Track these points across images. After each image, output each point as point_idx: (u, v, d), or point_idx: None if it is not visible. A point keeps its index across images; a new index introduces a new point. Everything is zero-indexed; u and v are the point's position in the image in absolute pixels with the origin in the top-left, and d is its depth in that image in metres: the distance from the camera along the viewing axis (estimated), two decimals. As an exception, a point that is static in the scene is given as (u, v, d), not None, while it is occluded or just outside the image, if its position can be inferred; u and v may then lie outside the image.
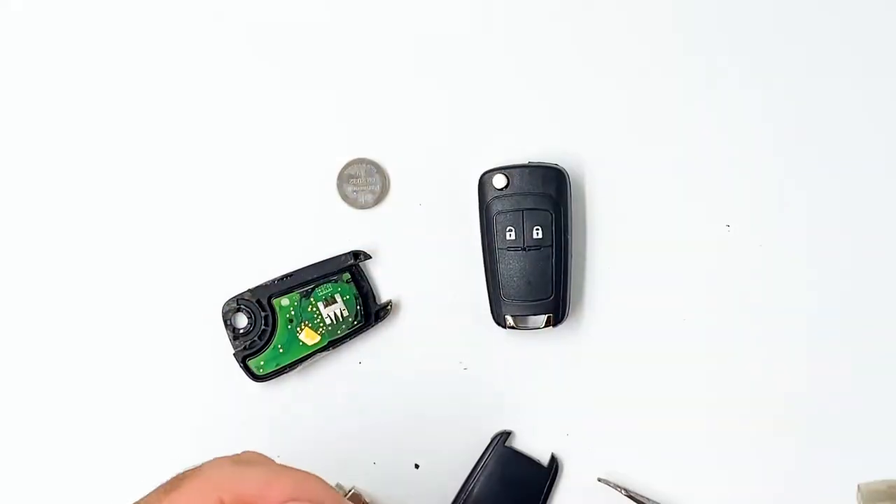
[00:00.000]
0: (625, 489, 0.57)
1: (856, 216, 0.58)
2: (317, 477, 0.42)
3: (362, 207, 0.59)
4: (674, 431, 0.58)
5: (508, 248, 0.57)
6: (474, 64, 0.59)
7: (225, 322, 0.58)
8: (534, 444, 0.59)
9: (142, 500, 0.42)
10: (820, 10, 0.58)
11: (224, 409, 0.59)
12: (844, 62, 0.58)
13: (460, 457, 0.58)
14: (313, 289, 0.58)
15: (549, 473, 0.58)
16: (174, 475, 0.42)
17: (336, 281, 0.58)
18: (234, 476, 0.41)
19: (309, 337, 0.58)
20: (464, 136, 0.59)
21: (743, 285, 0.58)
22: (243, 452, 0.45)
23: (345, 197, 0.59)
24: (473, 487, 0.58)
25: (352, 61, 0.59)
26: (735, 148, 0.58)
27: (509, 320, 0.57)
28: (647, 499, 0.57)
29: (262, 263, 0.59)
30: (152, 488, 0.42)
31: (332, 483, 0.57)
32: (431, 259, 0.59)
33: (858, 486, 0.56)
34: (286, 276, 0.58)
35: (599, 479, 0.58)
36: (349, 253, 0.58)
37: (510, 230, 0.56)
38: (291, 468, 0.43)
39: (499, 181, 0.57)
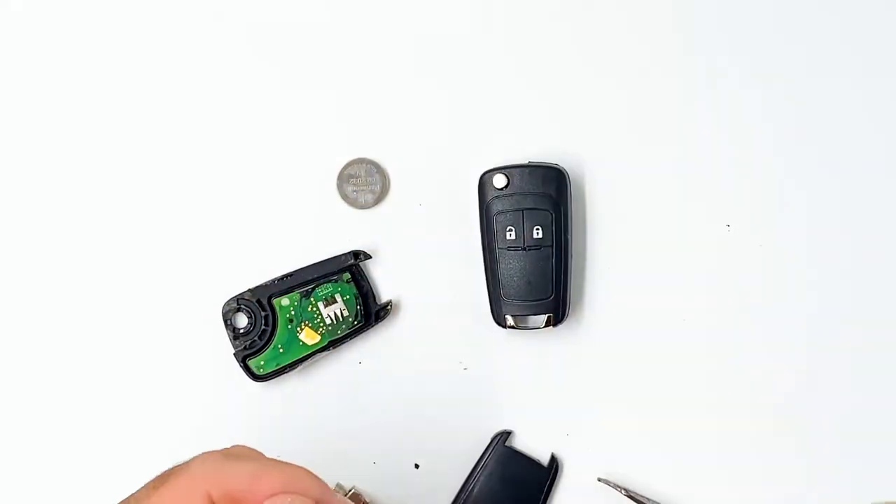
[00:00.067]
0: (625, 489, 0.57)
1: (856, 216, 0.58)
2: (306, 470, 0.42)
3: (362, 207, 0.59)
4: (674, 431, 0.58)
5: (508, 248, 0.57)
6: (474, 64, 0.59)
7: (225, 322, 0.58)
8: (534, 444, 0.59)
9: (130, 496, 0.42)
10: (820, 10, 0.58)
11: (224, 409, 0.59)
12: (844, 62, 0.58)
13: (460, 457, 0.58)
14: (313, 289, 0.58)
15: (549, 473, 0.58)
16: (162, 471, 0.42)
17: (336, 281, 0.58)
18: (222, 470, 0.41)
19: (309, 337, 0.58)
20: (464, 136, 0.59)
21: (743, 285, 0.58)
22: (233, 447, 0.45)
23: (345, 197, 0.59)
24: (473, 487, 0.58)
25: (352, 61, 0.59)
26: (735, 148, 0.58)
27: (509, 320, 0.57)
28: (647, 499, 0.57)
29: (262, 263, 0.59)
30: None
31: (332, 483, 0.57)
32: (431, 259, 0.59)
33: None
34: (286, 276, 0.58)
35: (599, 479, 0.58)
36: (349, 253, 0.58)
37: (510, 230, 0.56)
38: (280, 462, 0.42)
39: (499, 181, 0.57)
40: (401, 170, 0.59)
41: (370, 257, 0.59)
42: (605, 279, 0.59)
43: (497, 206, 0.57)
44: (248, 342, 0.58)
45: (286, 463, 0.42)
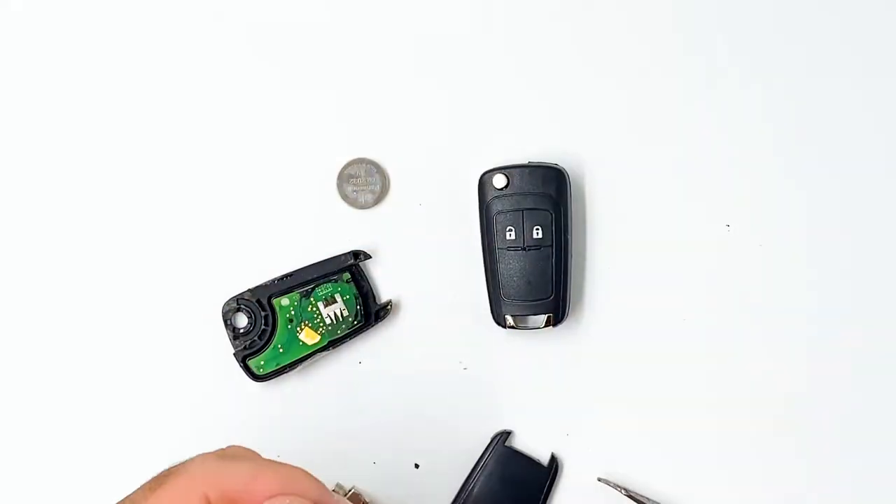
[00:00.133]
0: (625, 489, 0.57)
1: (856, 216, 0.58)
2: (303, 470, 0.42)
3: (362, 207, 0.59)
4: (674, 431, 0.58)
5: (508, 248, 0.57)
6: (474, 64, 0.59)
7: (225, 322, 0.58)
8: (534, 444, 0.59)
9: (126, 498, 0.42)
10: (820, 10, 0.58)
11: (224, 409, 0.59)
12: (844, 62, 0.58)
13: (460, 457, 0.58)
14: (313, 289, 0.58)
15: (549, 473, 0.58)
16: (159, 472, 0.42)
17: (336, 281, 0.58)
18: (219, 472, 0.41)
19: (309, 337, 0.58)
20: (464, 136, 0.59)
21: (743, 285, 0.58)
22: (228, 447, 0.44)
23: (345, 197, 0.59)
24: (473, 487, 0.58)
25: (352, 61, 0.59)
26: (735, 148, 0.58)
27: (509, 320, 0.57)
28: (647, 499, 0.57)
29: (262, 263, 0.59)
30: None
31: (332, 483, 0.57)
32: (431, 259, 0.59)
33: None
34: (286, 275, 0.58)
35: (599, 479, 0.58)
36: (349, 253, 0.58)
37: (510, 230, 0.56)
38: (277, 462, 0.42)
39: (499, 181, 0.57)
40: (401, 170, 0.59)
41: (370, 257, 0.59)
42: (605, 279, 0.59)
43: (497, 206, 0.57)
44: (248, 342, 0.58)
45: (283, 463, 0.42)
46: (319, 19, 0.60)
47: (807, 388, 0.58)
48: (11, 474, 0.59)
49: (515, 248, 0.56)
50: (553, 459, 0.58)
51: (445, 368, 0.59)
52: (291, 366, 0.58)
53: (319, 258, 0.58)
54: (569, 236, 0.57)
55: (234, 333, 0.58)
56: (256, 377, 0.58)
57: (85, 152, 0.60)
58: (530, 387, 0.59)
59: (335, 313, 0.58)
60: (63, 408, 0.59)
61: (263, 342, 0.58)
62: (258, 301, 0.58)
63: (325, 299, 0.58)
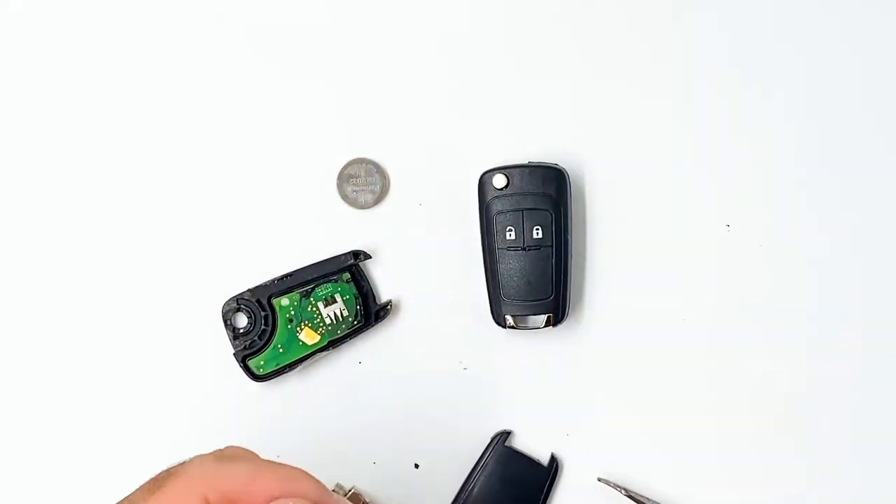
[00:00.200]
0: (625, 489, 0.57)
1: (856, 216, 0.58)
2: (301, 471, 0.42)
3: (362, 207, 0.59)
4: (673, 431, 0.58)
5: (508, 248, 0.57)
6: (474, 64, 0.59)
7: (225, 322, 0.58)
8: (534, 444, 0.59)
9: (125, 499, 0.42)
10: (819, 10, 0.58)
11: (224, 409, 0.59)
12: (844, 62, 0.58)
13: (460, 457, 0.58)
14: (313, 289, 0.58)
15: (549, 473, 0.58)
16: (157, 474, 0.42)
17: (336, 281, 0.58)
18: (217, 473, 0.41)
19: (309, 337, 0.58)
20: (464, 136, 0.59)
21: (743, 285, 0.58)
22: (227, 448, 0.44)
23: (345, 197, 0.59)
24: (473, 487, 0.58)
25: (352, 61, 0.59)
26: (735, 148, 0.58)
27: (509, 320, 0.57)
28: (647, 499, 0.57)
29: (262, 263, 0.59)
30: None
31: (332, 483, 0.57)
32: (431, 259, 0.59)
33: None
34: (286, 275, 0.58)
35: (599, 479, 0.58)
36: (349, 253, 0.58)
37: (510, 230, 0.56)
38: (276, 463, 0.42)
39: (499, 181, 0.57)
40: (401, 170, 0.59)
41: (370, 257, 0.59)
42: (605, 279, 0.59)
43: (497, 206, 0.57)
44: (248, 342, 0.58)
45: (282, 464, 0.42)
46: (319, 19, 0.60)
47: (807, 388, 0.58)
48: (12, 474, 0.59)
49: (515, 248, 0.56)
50: (553, 459, 0.58)
51: (445, 368, 0.59)
52: (291, 366, 0.58)
53: (319, 258, 0.58)
54: (569, 236, 0.57)
55: (234, 333, 0.58)
56: (256, 377, 0.58)
57: (85, 152, 0.60)
58: (530, 387, 0.59)
59: (335, 313, 0.58)
60: (63, 408, 0.59)
61: (263, 342, 0.58)
62: (258, 301, 0.58)
63: (325, 299, 0.58)
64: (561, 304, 0.57)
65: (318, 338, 0.58)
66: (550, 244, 0.56)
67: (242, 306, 0.58)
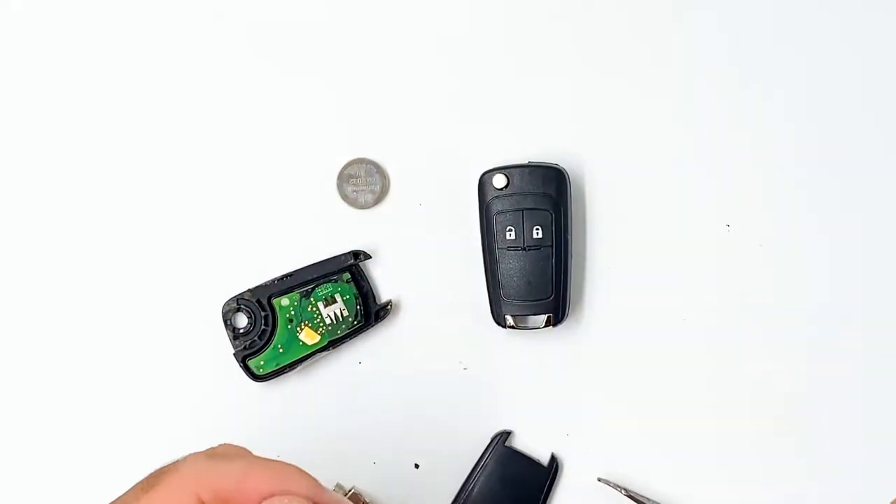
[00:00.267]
0: (625, 489, 0.57)
1: (856, 216, 0.58)
2: (294, 467, 0.42)
3: (362, 207, 0.59)
4: (673, 431, 0.58)
5: (508, 248, 0.57)
6: (474, 64, 0.59)
7: (225, 322, 0.58)
8: (534, 444, 0.59)
9: (118, 499, 0.41)
10: (819, 10, 0.58)
11: (224, 409, 0.59)
12: (844, 62, 0.58)
13: (460, 457, 0.58)
14: (313, 289, 0.58)
15: (549, 473, 0.58)
16: (150, 473, 0.42)
17: (336, 281, 0.58)
18: (211, 471, 0.41)
19: (309, 337, 0.58)
20: (464, 136, 0.59)
21: (743, 285, 0.58)
22: (220, 445, 0.44)
23: (345, 197, 0.59)
24: (473, 487, 0.58)
25: (352, 61, 0.59)
26: (735, 148, 0.58)
27: (509, 320, 0.57)
28: (647, 499, 0.57)
29: (262, 263, 0.59)
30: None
31: (332, 483, 0.57)
32: (431, 259, 0.59)
33: None
34: (286, 276, 0.58)
35: (599, 479, 0.58)
36: (349, 253, 0.58)
37: (510, 230, 0.56)
38: (269, 460, 0.42)
39: (499, 181, 0.57)
40: (401, 170, 0.59)
41: (370, 257, 0.59)
42: (605, 279, 0.59)
43: (497, 206, 0.57)
44: (248, 342, 0.58)
45: (275, 461, 0.42)
46: (319, 19, 0.60)
47: (807, 388, 0.58)
48: (12, 474, 0.59)
49: (515, 248, 0.56)
50: (553, 459, 0.58)
51: (445, 368, 0.59)
52: (291, 366, 0.58)
53: (319, 258, 0.58)
54: (569, 236, 0.57)
55: (234, 333, 0.58)
56: (256, 377, 0.58)
57: (85, 152, 0.60)
58: (530, 387, 0.59)
59: (335, 313, 0.58)
60: (63, 408, 0.59)
61: (263, 342, 0.58)
62: (258, 301, 0.58)
63: (325, 299, 0.58)
64: (561, 304, 0.57)
65: (318, 338, 0.58)
66: (550, 244, 0.56)
67: (242, 306, 0.58)
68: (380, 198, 0.59)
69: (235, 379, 0.58)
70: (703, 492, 0.58)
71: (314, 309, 0.58)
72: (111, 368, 0.59)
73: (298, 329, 0.58)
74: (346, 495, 0.57)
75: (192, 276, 0.59)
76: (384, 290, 0.59)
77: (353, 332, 0.58)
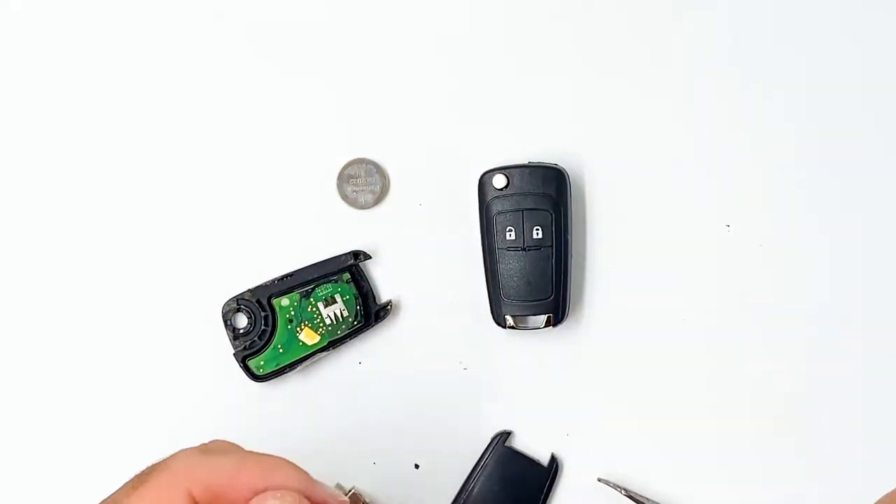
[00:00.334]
0: (625, 489, 0.57)
1: (856, 216, 0.58)
2: (285, 460, 0.42)
3: (362, 207, 0.59)
4: (673, 431, 0.58)
5: (508, 248, 0.57)
6: (474, 64, 0.59)
7: (225, 322, 0.58)
8: (534, 444, 0.59)
9: (110, 497, 0.42)
10: (819, 10, 0.58)
11: (224, 409, 0.59)
12: (844, 62, 0.58)
13: (460, 457, 0.58)
14: (313, 289, 0.58)
15: (549, 473, 0.58)
16: (142, 470, 0.42)
17: (336, 281, 0.58)
18: (201, 467, 0.41)
19: (309, 337, 0.58)
20: (464, 136, 0.59)
21: (743, 285, 0.58)
22: (212, 441, 0.44)
23: (345, 197, 0.59)
24: (473, 487, 0.58)
25: (352, 61, 0.59)
26: (735, 148, 0.58)
27: (509, 320, 0.57)
28: (647, 499, 0.57)
29: (262, 263, 0.59)
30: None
31: (332, 483, 0.57)
32: (431, 259, 0.59)
33: None
34: (286, 276, 0.58)
35: (599, 479, 0.58)
36: (349, 253, 0.58)
37: (510, 230, 0.56)
38: (260, 454, 0.42)
39: (499, 181, 0.57)
40: (401, 170, 0.59)
41: (370, 257, 0.59)
42: (605, 279, 0.59)
43: (497, 207, 0.57)
44: (248, 342, 0.58)
45: (265, 455, 0.42)
46: (319, 19, 0.60)
47: (807, 388, 0.58)
48: (11, 474, 0.59)
49: (515, 249, 0.56)
50: (553, 459, 0.58)
51: (445, 368, 0.59)
52: (291, 366, 0.58)
53: (319, 258, 0.58)
54: (569, 236, 0.57)
55: (234, 333, 0.58)
56: (256, 377, 0.58)
57: (85, 152, 0.60)
58: (530, 387, 0.59)
59: (335, 313, 0.58)
60: (63, 408, 0.59)
61: (263, 342, 0.58)
62: (258, 301, 0.58)
63: (325, 299, 0.58)
64: (561, 304, 0.57)
65: (318, 338, 0.58)
66: (550, 244, 0.56)
67: (242, 306, 0.58)
68: (380, 198, 0.59)
69: (235, 379, 0.58)
70: (703, 492, 0.58)
71: (314, 309, 0.58)
72: (111, 368, 0.59)
73: (298, 329, 0.58)
74: (346, 495, 0.57)
75: (192, 277, 0.59)
76: (384, 290, 0.59)
77: (353, 333, 0.58)
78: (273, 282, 0.58)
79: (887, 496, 0.43)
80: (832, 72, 0.58)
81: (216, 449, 0.43)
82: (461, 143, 0.59)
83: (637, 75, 0.59)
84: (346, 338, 0.58)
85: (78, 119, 0.60)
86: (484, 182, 0.57)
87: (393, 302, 0.59)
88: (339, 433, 0.59)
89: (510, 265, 0.57)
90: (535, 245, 0.56)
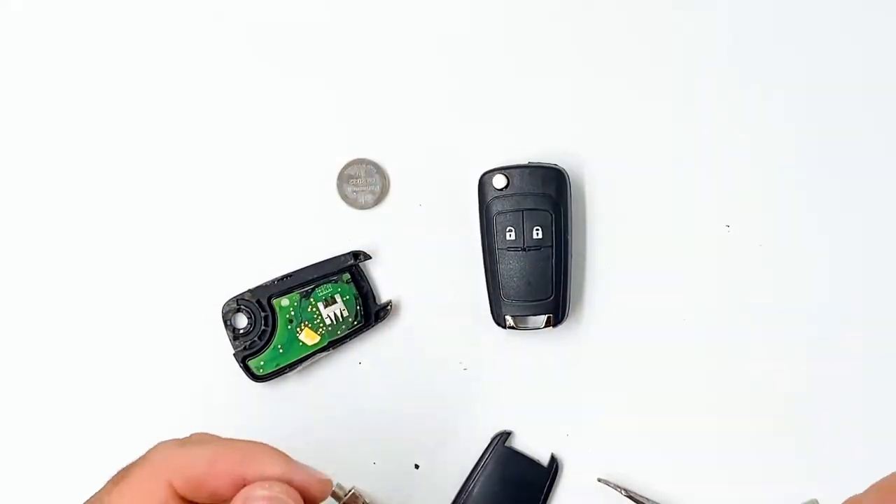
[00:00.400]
0: (625, 489, 0.57)
1: (856, 216, 0.58)
2: (264, 445, 0.42)
3: (362, 207, 0.59)
4: (673, 431, 0.58)
5: (508, 249, 0.57)
6: (474, 64, 0.59)
7: (225, 322, 0.58)
8: (534, 444, 0.59)
9: (93, 496, 0.42)
10: (819, 10, 0.58)
11: (224, 409, 0.59)
12: (844, 62, 0.58)
13: (460, 457, 0.58)
14: (313, 289, 0.58)
15: (549, 473, 0.58)
16: (122, 468, 0.42)
17: (336, 281, 0.58)
18: (180, 458, 0.41)
19: (309, 337, 0.58)
20: (464, 136, 0.59)
21: (743, 285, 0.58)
22: (192, 434, 0.45)
23: (345, 197, 0.59)
24: (473, 487, 0.58)
25: (352, 61, 0.59)
26: (735, 148, 0.58)
27: (509, 320, 0.57)
28: (647, 499, 0.57)
29: (262, 263, 0.59)
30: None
31: (332, 483, 0.57)
32: (431, 259, 0.59)
33: None
34: (286, 276, 0.58)
35: (599, 479, 0.58)
36: (349, 253, 0.58)
37: (510, 230, 0.56)
38: (238, 440, 0.42)
39: (499, 181, 0.57)
40: (401, 170, 0.59)
41: (370, 258, 0.59)
42: (605, 279, 0.59)
43: (497, 207, 0.57)
44: (248, 342, 0.58)
45: (244, 440, 0.42)
46: (319, 19, 0.59)
47: (807, 388, 0.58)
48: (11, 474, 0.59)
49: (515, 249, 0.56)
50: (553, 459, 0.58)
51: (445, 368, 0.59)
52: (291, 366, 0.58)
53: (319, 258, 0.58)
54: (569, 236, 0.57)
55: (234, 334, 0.58)
56: (256, 378, 0.58)
57: (85, 152, 0.60)
58: (530, 387, 0.59)
59: (335, 314, 0.58)
60: (63, 408, 0.59)
61: (263, 343, 0.58)
62: (258, 301, 0.58)
63: (325, 300, 0.58)
64: (561, 304, 0.57)
65: (318, 338, 0.58)
66: (550, 244, 0.56)
67: (242, 307, 0.58)
68: (380, 198, 0.59)
69: (235, 379, 0.58)
70: (703, 492, 0.58)
71: (314, 309, 0.58)
72: (111, 368, 0.59)
73: (298, 329, 0.58)
74: (346, 495, 0.57)
75: (192, 277, 0.59)
76: (384, 290, 0.59)
77: (353, 333, 0.58)
78: (273, 282, 0.58)
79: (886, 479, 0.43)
80: (832, 72, 0.58)
81: (195, 440, 0.43)
82: (461, 143, 0.59)
83: (637, 75, 0.59)
84: (346, 338, 0.58)
85: (78, 119, 0.60)
86: (484, 182, 0.57)
87: (393, 302, 0.59)
88: (339, 433, 0.59)
89: (510, 265, 0.57)
90: (535, 245, 0.56)
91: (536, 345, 0.59)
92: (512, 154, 0.58)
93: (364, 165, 0.59)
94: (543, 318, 0.57)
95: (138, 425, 0.59)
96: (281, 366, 0.58)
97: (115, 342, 0.59)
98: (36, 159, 0.60)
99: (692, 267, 0.58)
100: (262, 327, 0.58)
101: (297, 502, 0.41)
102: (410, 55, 0.59)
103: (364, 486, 0.58)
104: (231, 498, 0.41)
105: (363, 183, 0.59)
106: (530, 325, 0.57)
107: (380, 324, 0.59)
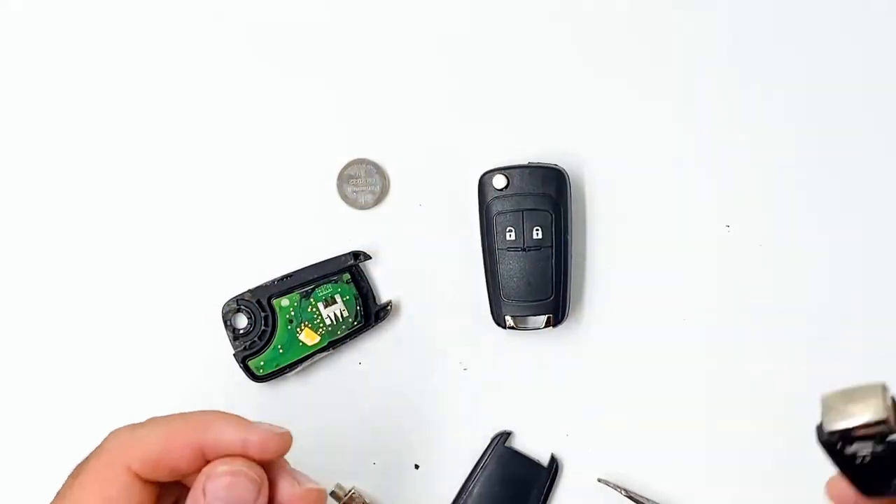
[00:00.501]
0: (625, 489, 0.57)
1: (856, 216, 0.58)
2: (216, 412, 0.42)
3: (362, 208, 0.59)
4: (674, 431, 0.58)
5: (508, 249, 0.57)
6: (474, 64, 0.59)
7: (225, 322, 0.58)
8: (534, 444, 0.59)
9: (57, 494, 0.42)
10: (819, 10, 0.58)
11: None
12: (844, 62, 0.58)
13: (460, 457, 0.58)
14: (313, 289, 0.58)
15: (549, 473, 0.58)
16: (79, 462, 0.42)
17: (336, 281, 0.58)
18: (134, 441, 0.41)
19: (309, 337, 0.58)
20: (464, 136, 0.59)
21: (743, 285, 0.58)
22: (147, 419, 0.45)
23: (345, 197, 0.59)
24: (473, 487, 0.58)
25: (352, 61, 0.59)
26: (735, 148, 0.58)
27: (509, 320, 0.57)
28: (647, 499, 0.57)
29: (262, 263, 0.59)
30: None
31: (332, 483, 0.57)
32: (431, 259, 0.59)
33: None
34: (286, 276, 0.58)
35: (599, 480, 0.58)
36: (349, 253, 0.58)
37: (510, 230, 0.56)
38: (190, 413, 0.42)
39: (499, 181, 0.57)
40: (401, 170, 0.59)
41: (370, 258, 0.59)
42: (605, 279, 0.59)
43: (497, 207, 0.57)
44: (248, 343, 0.58)
45: (195, 412, 0.42)
46: (319, 19, 0.59)
47: (807, 388, 0.58)
48: (11, 474, 0.59)
49: (515, 249, 0.56)
50: (553, 459, 0.58)
51: (445, 368, 0.59)
52: (291, 366, 0.58)
53: (319, 259, 0.58)
54: (569, 236, 0.57)
55: (234, 334, 0.58)
56: (256, 378, 0.58)
57: (85, 153, 0.60)
58: (530, 387, 0.59)
59: (335, 314, 0.58)
60: (63, 408, 0.59)
61: (263, 343, 0.58)
62: (258, 302, 0.58)
63: (325, 300, 0.58)
64: (561, 304, 0.57)
65: (318, 338, 0.58)
66: (550, 244, 0.56)
67: (242, 307, 0.58)
68: (380, 198, 0.59)
69: (235, 379, 0.58)
70: (703, 492, 0.58)
71: (314, 309, 0.58)
72: (111, 368, 0.59)
73: (298, 330, 0.58)
74: (346, 495, 0.57)
75: (192, 277, 0.59)
76: (384, 290, 0.59)
77: (353, 333, 0.58)
78: (273, 282, 0.58)
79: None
80: (832, 72, 0.58)
81: (148, 422, 0.43)
82: (461, 143, 0.59)
83: (637, 75, 0.59)
84: (346, 338, 0.58)
85: (78, 119, 0.60)
86: (484, 182, 0.57)
87: (393, 302, 0.59)
88: (339, 433, 0.59)
89: (510, 265, 0.57)
90: (535, 245, 0.56)
91: (536, 345, 0.59)
92: (512, 154, 0.58)
93: (364, 165, 0.59)
94: (543, 318, 0.57)
95: (138, 425, 0.59)
96: (281, 366, 0.58)
97: (116, 342, 0.59)
98: (36, 159, 0.60)
99: (692, 267, 0.58)
100: (262, 327, 0.58)
101: (258, 472, 0.41)
102: (410, 55, 0.59)
103: (364, 486, 0.58)
104: (194, 471, 0.41)
105: (363, 183, 0.59)
106: (530, 326, 0.57)
107: (380, 324, 0.59)
